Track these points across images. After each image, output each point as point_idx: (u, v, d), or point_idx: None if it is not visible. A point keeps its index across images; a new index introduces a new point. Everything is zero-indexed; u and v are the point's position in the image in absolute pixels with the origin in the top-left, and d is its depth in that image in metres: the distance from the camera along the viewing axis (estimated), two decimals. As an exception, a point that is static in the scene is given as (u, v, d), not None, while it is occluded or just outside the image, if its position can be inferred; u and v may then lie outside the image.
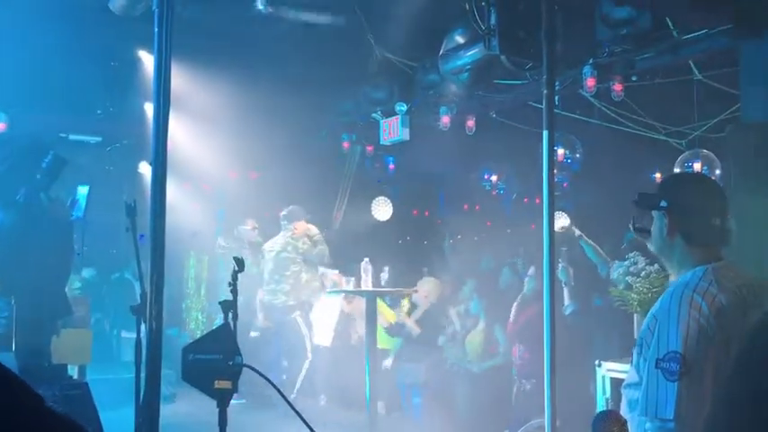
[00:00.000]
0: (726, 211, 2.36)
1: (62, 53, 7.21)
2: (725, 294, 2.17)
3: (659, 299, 2.30)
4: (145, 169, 8.61)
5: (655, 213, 2.41)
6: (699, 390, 2.08)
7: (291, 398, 7.02)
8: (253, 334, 8.75)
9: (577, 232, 6.31)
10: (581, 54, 4.97)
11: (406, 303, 7.76)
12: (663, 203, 2.36)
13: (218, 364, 3.23)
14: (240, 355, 3.24)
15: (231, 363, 3.19)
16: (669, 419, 2.08)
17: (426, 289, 7.57)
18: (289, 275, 7.94)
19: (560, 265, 6.20)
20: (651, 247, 2.49)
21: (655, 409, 2.11)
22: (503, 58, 4.52)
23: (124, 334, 9.13)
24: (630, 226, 2.75)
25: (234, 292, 3.92)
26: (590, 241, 6.30)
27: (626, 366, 4.19)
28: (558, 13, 4.39)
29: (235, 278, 3.95)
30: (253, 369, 3.19)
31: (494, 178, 9.72)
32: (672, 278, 2.42)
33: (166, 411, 6.78)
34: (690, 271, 2.28)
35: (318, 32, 7.11)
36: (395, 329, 7.69)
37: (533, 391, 5.74)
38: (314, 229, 8.17)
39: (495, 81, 6.62)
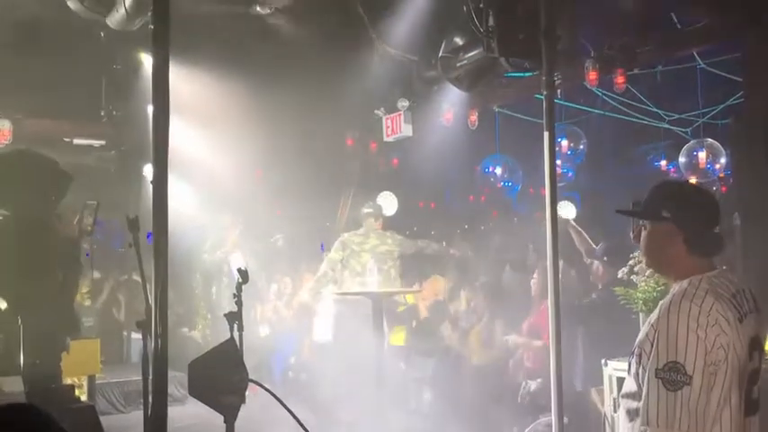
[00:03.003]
0: (720, 220, 2.39)
1: (65, 58, 7.23)
2: (721, 303, 2.19)
3: (657, 308, 2.31)
4: (148, 172, 8.64)
5: (651, 223, 2.41)
6: (699, 400, 2.10)
7: None
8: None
9: (563, 217, 6.26)
10: (582, 50, 4.93)
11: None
12: (666, 214, 2.36)
13: (223, 378, 3.26)
14: (246, 369, 3.27)
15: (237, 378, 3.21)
16: (670, 429, 2.09)
17: (435, 287, 7.56)
18: (385, 270, 7.43)
19: None
20: (643, 256, 2.51)
21: (656, 419, 2.12)
22: (502, 59, 4.49)
23: (134, 335, 9.20)
24: (632, 235, 2.76)
25: (239, 303, 3.96)
26: (578, 228, 6.29)
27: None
28: (558, 13, 4.35)
29: (239, 290, 3.98)
30: (258, 384, 3.22)
31: (498, 170, 9.70)
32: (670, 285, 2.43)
33: (176, 413, 6.84)
34: (685, 280, 2.30)
35: (320, 30, 7.10)
36: (405, 312, 7.70)
37: (538, 391, 5.76)
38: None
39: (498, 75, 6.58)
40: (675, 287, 2.32)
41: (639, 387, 2.25)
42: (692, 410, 2.08)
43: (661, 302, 2.32)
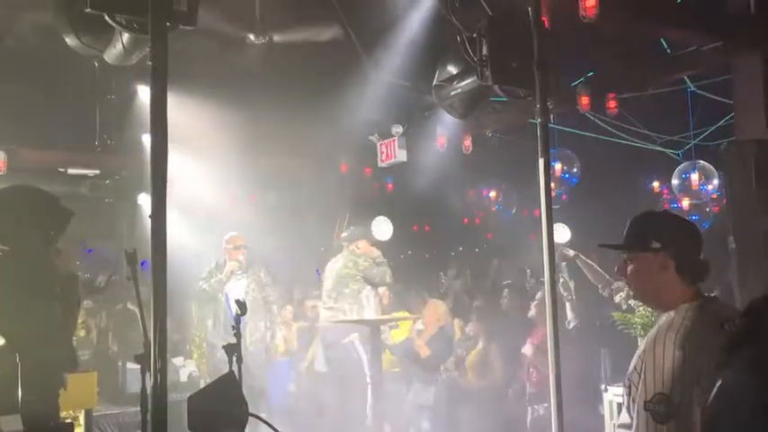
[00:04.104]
0: (703, 247, 2.42)
1: (59, 88, 7.24)
2: (708, 333, 2.18)
3: (645, 339, 2.32)
4: (143, 200, 8.64)
5: (641, 254, 2.39)
6: (687, 431, 2.10)
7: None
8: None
9: (572, 252, 6.15)
10: (574, 76, 4.98)
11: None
12: (656, 244, 2.36)
13: (223, 412, 3.24)
14: (246, 403, 3.25)
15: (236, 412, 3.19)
16: None
17: (435, 312, 7.52)
18: (348, 293, 7.38)
19: (561, 278, 6.13)
20: (632, 288, 2.50)
21: None
22: (495, 87, 4.54)
23: (129, 365, 9.09)
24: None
25: (237, 335, 3.95)
26: (588, 261, 6.17)
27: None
28: (550, 41, 4.40)
29: (238, 322, 3.98)
30: (259, 418, 3.20)
31: (492, 194, 9.74)
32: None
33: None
34: (673, 310, 2.31)
35: (312, 56, 7.15)
36: (400, 349, 7.62)
37: (546, 416, 5.71)
38: (376, 251, 7.73)
39: (492, 99, 6.63)
40: (663, 317, 2.33)
41: (632, 419, 2.26)
42: None
43: (648, 334, 2.34)
